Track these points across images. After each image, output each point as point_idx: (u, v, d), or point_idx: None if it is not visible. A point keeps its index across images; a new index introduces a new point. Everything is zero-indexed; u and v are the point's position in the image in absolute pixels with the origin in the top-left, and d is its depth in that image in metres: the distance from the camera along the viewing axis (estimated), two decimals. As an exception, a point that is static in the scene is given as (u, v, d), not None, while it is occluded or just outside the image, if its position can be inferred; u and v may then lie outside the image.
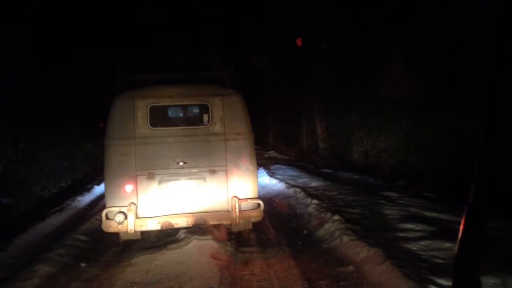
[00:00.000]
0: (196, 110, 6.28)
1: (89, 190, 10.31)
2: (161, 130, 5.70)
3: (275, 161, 15.77)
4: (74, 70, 16.23)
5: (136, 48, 19.28)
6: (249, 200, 5.67)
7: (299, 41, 14.58)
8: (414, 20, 9.75)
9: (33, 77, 13.28)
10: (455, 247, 2.28)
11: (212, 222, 5.62)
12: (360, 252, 4.89)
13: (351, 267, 4.66)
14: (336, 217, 6.22)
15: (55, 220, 7.44)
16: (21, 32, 12.48)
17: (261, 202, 5.70)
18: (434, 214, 6.31)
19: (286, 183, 9.74)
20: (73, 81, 16.14)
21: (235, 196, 5.58)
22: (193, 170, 5.64)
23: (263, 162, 14.57)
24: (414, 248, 4.86)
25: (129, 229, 5.28)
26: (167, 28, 20.00)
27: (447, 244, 4.79)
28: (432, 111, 9.49)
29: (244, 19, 18.42)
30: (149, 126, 5.60)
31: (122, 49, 18.33)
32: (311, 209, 7.22)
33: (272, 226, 6.67)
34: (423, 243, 4.99)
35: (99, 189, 10.27)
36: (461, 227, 2.21)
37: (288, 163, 14.80)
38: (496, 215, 5.94)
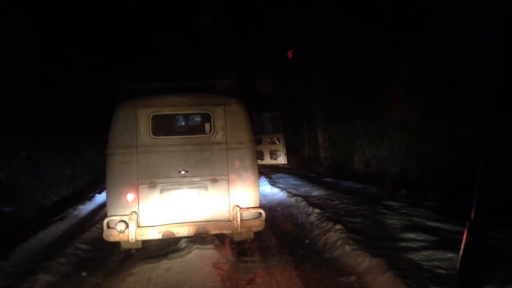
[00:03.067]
0: (198, 119, 6.29)
1: (90, 198, 10.30)
2: (163, 139, 5.70)
3: (277, 170, 15.75)
4: (76, 78, 16.28)
5: (139, 56, 19.34)
6: (250, 209, 5.66)
7: (289, 53, 14.70)
8: (414, 32, 9.79)
9: (36, 85, 13.32)
10: (458, 258, 2.27)
11: (213, 231, 5.61)
12: (362, 262, 4.86)
13: (353, 277, 4.63)
14: (338, 226, 6.19)
15: (56, 229, 7.43)
16: (24, 40, 12.54)
17: (262, 211, 5.69)
18: (436, 224, 6.28)
19: (288, 192, 9.72)
20: (76, 89, 16.18)
21: (236, 205, 5.57)
22: (194, 179, 5.64)
23: (264, 171, 14.55)
24: (417, 258, 4.83)
25: (130, 238, 5.27)
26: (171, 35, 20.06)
27: (450, 254, 4.77)
28: (434, 120, 9.49)
29: (246, 27, 18.48)
30: (151, 135, 5.61)
31: (125, 57, 18.40)
32: (312, 218, 7.19)
33: (274, 236, 6.65)
34: (425, 253, 4.95)
35: (100, 197, 10.26)
36: (463, 243, 2.20)
37: (290, 172, 14.78)
38: (499, 223, 5.94)
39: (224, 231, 5.69)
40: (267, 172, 14.37)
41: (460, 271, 2.20)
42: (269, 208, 8.50)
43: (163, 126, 5.91)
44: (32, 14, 13.04)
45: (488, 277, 3.97)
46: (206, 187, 5.65)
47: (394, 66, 10.49)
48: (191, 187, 5.64)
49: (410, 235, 5.72)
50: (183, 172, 5.61)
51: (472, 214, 2.12)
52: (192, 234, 5.53)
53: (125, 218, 5.31)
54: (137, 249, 5.93)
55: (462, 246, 2.17)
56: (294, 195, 9.24)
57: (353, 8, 12.17)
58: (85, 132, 16.57)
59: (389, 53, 10.80)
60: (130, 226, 5.27)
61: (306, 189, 10.19)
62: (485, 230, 2.15)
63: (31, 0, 13.09)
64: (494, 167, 2.09)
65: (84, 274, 5.20)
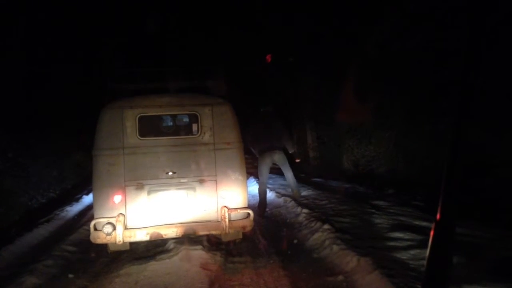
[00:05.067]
0: (185, 120, 6.27)
1: (78, 200, 10.21)
2: (150, 140, 5.67)
3: (266, 170, 15.72)
4: (63, 79, 16.13)
5: (127, 57, 19.20)
6: (239, 210, 5.65)
7: (268, 58, 14.76)
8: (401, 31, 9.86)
9: (22, 85, 13.17)
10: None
11: (201, 232, 5.59)
12: (350, 261, 4.89)
13: (341, 277, 4.66)
14: (326, 226, 6.22)
15: (43, 231, 7.35)
16: (9, 38, 12.39)
17: (251, 212, 5.69)
18: (423, 223, 6.32)
19: (277, 192, 9.74)
20: (63, 89, 16.03)
21: (224, 206, 5.56)
22: (182, 180, 5.61)
23: (253, 171, 14.51)
24: (404, 257, 4.87)
25: (117, 240, 5.23)
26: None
27: (436, 253, 4.80)
28: (421, 121, 9.57)
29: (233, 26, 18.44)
30: (138, 136, 5.57)
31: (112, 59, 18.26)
32: (301, 218, 7.21)
33: (262, 236, 6.66)
34: (412, 252, 4.99)
35: (87, 199, 10.18)
36: (430, 243, 2.24)
37: (278, 173, 14.74)
38: (487, 224, 6.01)
39: (213, 232, 5.68)
40: (256, 172, 14.33)
41: (427, 271, 2.23)
42: (258, 208, 8.49)
43: (150, 127, 5.89)
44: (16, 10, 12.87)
45: (468, 274, 4.04)
46: (194, 188, 5.63)
47: (379, 65, 10.56)
48: (179, 188, 5.62)
49: (398, 234, 5.76)
50: (170, 173, 5.58)
51: (438, 215, 2.16)
52: (180, 235, 5.51)
53: (112, 220, 5.27)
54: (125, 251, 5.90)
55: (429, 246, 2.20)
56: (283, 195, 9.26)
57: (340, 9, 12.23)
58: (72, 133, 16.43)
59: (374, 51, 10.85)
60: (117, 228, 5.23)
61: (295, 189, 10.19)
62: (451, 230, 2.18)
63: None
64: (458, 170, 2.13)
65: (71, 276, 5.17)
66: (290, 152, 8.33)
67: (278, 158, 8.07)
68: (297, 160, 8.80)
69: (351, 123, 12.60)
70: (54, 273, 5.28)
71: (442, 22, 8.60)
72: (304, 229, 6.68)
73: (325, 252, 5.48)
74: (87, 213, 8.67)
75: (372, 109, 11.08)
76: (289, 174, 8.41)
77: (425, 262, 4.49)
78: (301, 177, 12.99)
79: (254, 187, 10.89)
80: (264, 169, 8.20)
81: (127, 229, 5.37)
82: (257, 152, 8.14)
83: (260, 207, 8.26)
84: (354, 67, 11.42)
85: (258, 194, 8.41)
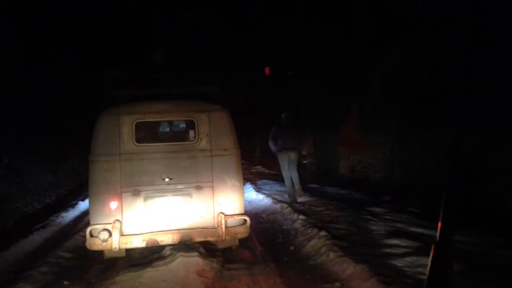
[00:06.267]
0: (182, 126, 6.27)
1: (73, 206, 10.17)
2: (147, 146, 5.67)
3: (262, 176, 15.72)
4: (59, 84, 16.08)
5: (124, 62, 19.15)
6: (235, 216, 5.65)
7: (267, 70, 14.86)
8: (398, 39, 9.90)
9: (17, 90, 13.13)
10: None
11: (198, 239, 5.58)
12: (347, 268, 4.88)
13: (337, 284, 4.65)
14: (323, 233, 6.21)
15: (38, 237, 7.31)
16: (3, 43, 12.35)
17: (247, 218, 5.69)
18: (419, 230, 6.34)
19: (273, 198, 9.72)
20: (58, 95, 15.98)
21: (221, 212, 5.55)
22: (179, 186, 5.61)
23: (250, 177, 14.53)
24: (400, 265, 4.87)
25: (113, 247, 5.21)
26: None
27: (433, 260, 4.80)
28: (417, 127, 9.58)
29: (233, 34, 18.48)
30: (135, 142, 5.57)
31: (109, 63, 18.23)
32: (297, 224, 7.20)
33: (259, 242, 6.64)
34: (408, 259, 4.99)
35: (84, 204, 10.12)
36: (429, 265, 2.25)
37: (275, 178, 14.75)
38: (487, 231, 6.02)
39: (209, 239, 5.67)
40: (252, 178, 14.35)
41: None
42: (254, 215, 8.50)
43: (147, 133, 5.89)
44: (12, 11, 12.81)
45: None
46: (190, 195, 5.63)
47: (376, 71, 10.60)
48: (175, 195, 5.61)
49: (394, 241, 5.76)
50: (167, 180, 5.57)
51: (438, 235, 2.17)
52: (177, 242, 5.50)
53: (108, 227, 5.26)
54: (121, 258, 5.87)
55: (428, 267, 2.20)
56: (279, 201, 9.25)
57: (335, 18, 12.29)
58: (68, 138, 16.37)
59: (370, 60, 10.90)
60: (113, 234, 5.21)
61: (291, 195, 10.19)
62: (450, 252, 2.18)
63: None
64: (457, 197, 2.16)
65: (66, 283, 5.13)
66: (303, 153, 9.88)
67: (294, 156, 9.24)
68: (304, 162, 10.54)
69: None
70: (49, 280, 5.24)
71: (438, 28, 8.64)
72: (300, 236, 6.66)
73: (322, 259, 5.47)
74: (83, 219, 8.62)
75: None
76: (294, 173, 9.39)
77: (421, 269, 4.51)
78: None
79: (250, 193, 10.88)
80: (285, 165, 9.29)
81: (123, 235, 5.36)
82: (277, 149, 9.30)
83: (290, 197, 9.35)
84: (352, 73, 11.46)
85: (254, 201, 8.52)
